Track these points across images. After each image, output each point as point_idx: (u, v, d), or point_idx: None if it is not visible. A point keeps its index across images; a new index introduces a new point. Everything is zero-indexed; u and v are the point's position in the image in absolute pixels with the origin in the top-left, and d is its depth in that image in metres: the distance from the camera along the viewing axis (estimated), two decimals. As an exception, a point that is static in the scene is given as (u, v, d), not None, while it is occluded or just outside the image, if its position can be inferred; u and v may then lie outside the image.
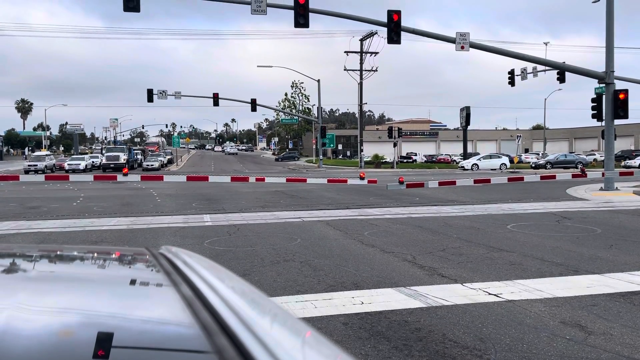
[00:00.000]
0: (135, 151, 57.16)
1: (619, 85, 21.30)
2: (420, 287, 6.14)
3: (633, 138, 69.98)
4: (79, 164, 45.95)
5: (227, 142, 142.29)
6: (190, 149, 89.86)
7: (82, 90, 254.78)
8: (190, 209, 15.53)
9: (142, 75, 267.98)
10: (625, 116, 20.51)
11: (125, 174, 18.59)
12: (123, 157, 46.83)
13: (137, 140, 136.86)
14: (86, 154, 63.01)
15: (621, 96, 20.33)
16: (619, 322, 4.84)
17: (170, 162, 63.09)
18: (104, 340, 0.91)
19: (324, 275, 6.85)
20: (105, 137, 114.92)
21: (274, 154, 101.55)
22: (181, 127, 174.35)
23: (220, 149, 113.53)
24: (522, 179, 20.45)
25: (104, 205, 16.84)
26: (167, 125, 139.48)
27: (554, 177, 21.78)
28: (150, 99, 43.34)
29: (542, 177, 21.14)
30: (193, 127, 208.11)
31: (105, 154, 48.86)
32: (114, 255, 1.92)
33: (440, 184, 19.29)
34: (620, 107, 20.29)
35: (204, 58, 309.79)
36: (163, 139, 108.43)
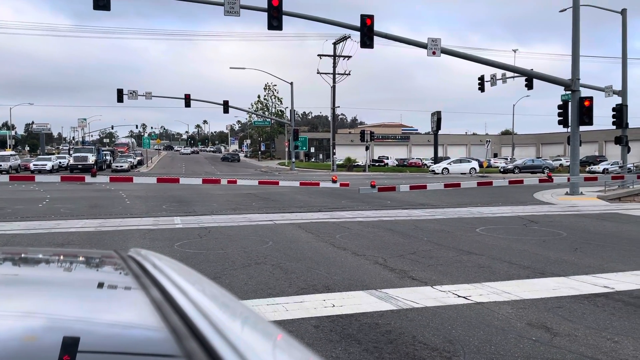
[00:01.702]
0: (104, 152, 56.03)
1: (585, 92, 21.95)
2: (391, 290, 6.19)
3: (597, 144, 72.17)
4: (46, 165, 44.79)
5: (203, 145, 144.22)
6: (157, 149, 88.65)
7: (50, 89, 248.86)
8: (160, 211, 15.31)
9: (112, 75, 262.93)
10: (590, 123, 21.14)
11: (94, 175, 18.19)
12: (91, 158, 45.84)
13: (106, 141, 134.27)
14: (53, 154, 61.43)
15: (586, 103, 20.94)
16: (583, 324, 4.97)
17: (140, 163, 62.06)
18: (70, 345, 0.89)
19: (295, 278, 6.84)
20: (73, 137, 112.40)
21: (246, 156, 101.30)
22: (152, 128, 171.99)
23: (189, 151, 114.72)
24: (490, 183, 20.90)
25: (71, 207, 16.46)
26: (137, 126, 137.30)
27: (521, 181, 22.40)
28: (120, 99, 42.57)
29: (510, 182, 21.70)
30: (164, 128, 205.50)
31: (73, 155, 47.72)
32: (80, 258, 1.88)
33: (412, 187, 19.53)
34: (585, 114, 20.89)
35: (176, 59, 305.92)
36: (133, 140, 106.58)
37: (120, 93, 42.57)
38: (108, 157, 54.91)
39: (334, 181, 19.51)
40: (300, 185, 21.45)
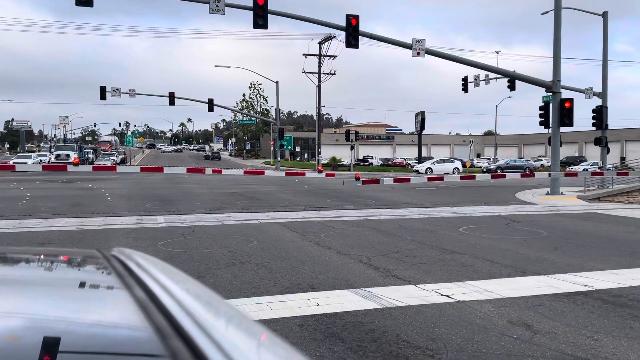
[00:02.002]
0: (87, 150, 55.44)
1: (565, 94, 22.26)
2: (375, 289, 6.22)
3: (578, 145, 73.29)
4: (26, 163, 44.12)
5: (188, 144, 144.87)
6: (139, 147, 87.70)
7: (31, 85, 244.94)
8: (143, 210, 15.17)
9: (94, 72, 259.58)
10: (571, 124, 21.45)
11: (77, 164, 17.93)
12: (73, 156, 45.30)
13: (88, 138, 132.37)
14: (34, 152, 60.50)
15: (567, 105, 21.25)
16: (562, 322, 5.05)
17: (123, 161, 61.44)
18: (51, 345, 0.88)
19: (280, 277, 6.83)
20: (55, 135, 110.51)
21: (231, 154, 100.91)
22: (135, 126, 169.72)
23: (171, 149, 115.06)
24: (474, 177, 21.42)
25: (52, 206, 16.22)
26: (120, 124, 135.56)
27: (504, 176, 23.17)
28: (103, 96, 42.02)
29: (492, 176, 22.60)
30: (147, 127, 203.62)
31: (55, 153, 47.16)
32: (62, 258, 1.86)
33: (395, 180, 19.87)
34: (566, 115, 21.19)
35: (160, 56, 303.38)
36: (116, 138, 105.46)
37: (103, 90, 42.04)
38: (90, 155, 54.35)
39: (320, 171, 19.72)
40: (286, 175, 21.49)
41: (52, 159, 45.67)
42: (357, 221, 12.78)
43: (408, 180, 19.77)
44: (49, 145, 71.66)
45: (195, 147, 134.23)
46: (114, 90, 43.66)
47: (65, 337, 0.94)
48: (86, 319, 1.07)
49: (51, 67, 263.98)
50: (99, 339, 0.96)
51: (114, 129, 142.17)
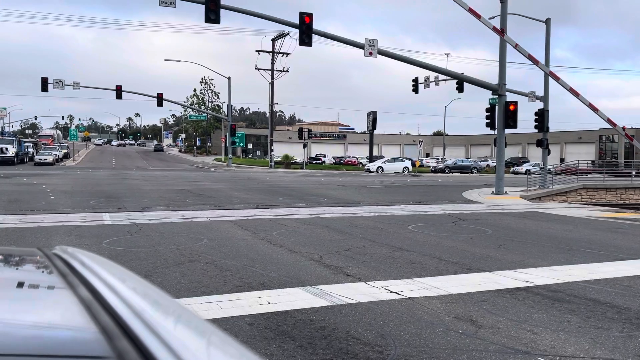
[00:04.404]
0: (27, 144, 52.88)
1: (510, 97, 23.11)
2: (326, 286, 6.25)
3: (521, 146, 76.35)
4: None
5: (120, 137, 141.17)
6: (82, 141, 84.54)
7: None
8: (87, 207, 14.64)
9: (35, 62, 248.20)
10: (515, 126, 22.31)
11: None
12: (12, 150, 43.16)
13: (28, 132, 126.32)
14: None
15: (511, 107, 22.08)
16: (505, 316, 5.24)
17: (66, 156, 59.02)
18: None
19: (230, 275, 6.76)
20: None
21: (180, 151, 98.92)
22: (80, 119, 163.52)
23: (117, 143, 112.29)
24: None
25: (-13, 202, 15.40)
26: (63, 117, 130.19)
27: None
28: (44, 88, 40.20)
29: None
30: (93, 120, 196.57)
31: (-9, 146, 44.63)
32: None
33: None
34: (510, 117, 22.02)
35: (105, 48, 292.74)
36: (59, 132, 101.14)
37: (45, 82, 40.21)
38: (30, 150, 51.93)
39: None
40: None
41: (-11, 153, 43.24)
42: (309, 219, 12.81)
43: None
44: (-16, 138, 67.82)
45: (132, 142, 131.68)
46: (56, 82, 41.87)
47: (1, 339, 0.89)
48: (24, 320, 1.02)
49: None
50: (40, 341, 0.92)
51: (56, 122, 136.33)
